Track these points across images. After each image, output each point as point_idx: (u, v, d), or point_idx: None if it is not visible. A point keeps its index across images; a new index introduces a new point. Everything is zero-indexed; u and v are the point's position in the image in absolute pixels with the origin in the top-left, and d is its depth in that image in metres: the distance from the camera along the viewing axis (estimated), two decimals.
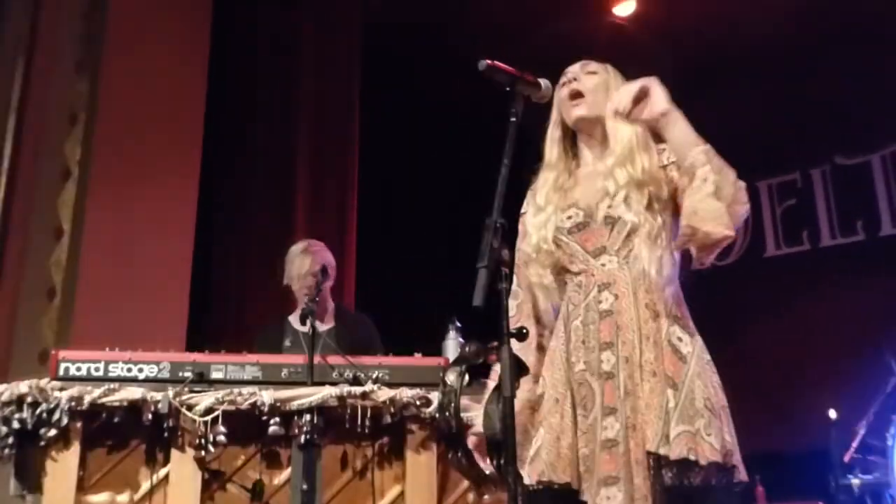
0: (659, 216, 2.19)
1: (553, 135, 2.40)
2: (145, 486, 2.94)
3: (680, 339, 2.12)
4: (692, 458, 1.98)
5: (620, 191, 2.21)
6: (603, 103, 2.30)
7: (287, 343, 3.89)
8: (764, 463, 5.41)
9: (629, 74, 2.32)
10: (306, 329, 3.11)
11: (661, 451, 2.02)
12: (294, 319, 3.92)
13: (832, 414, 5.27)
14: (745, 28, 6.52)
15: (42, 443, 2.89)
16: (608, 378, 2.11)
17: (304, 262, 3.92)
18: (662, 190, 2.21)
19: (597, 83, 2.34)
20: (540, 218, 2.31)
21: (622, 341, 2.12)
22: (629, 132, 2.26)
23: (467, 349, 2.11)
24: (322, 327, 3.84)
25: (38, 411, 2.88)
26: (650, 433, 2.03)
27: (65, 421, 2.88)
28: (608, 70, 2.39)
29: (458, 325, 3.42)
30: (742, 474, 2.06)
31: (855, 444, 5.05)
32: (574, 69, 2.37)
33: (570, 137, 2.41)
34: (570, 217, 2.26)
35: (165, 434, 2.92)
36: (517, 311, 2.31)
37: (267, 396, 2.92)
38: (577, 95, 2.33)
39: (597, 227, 2.22)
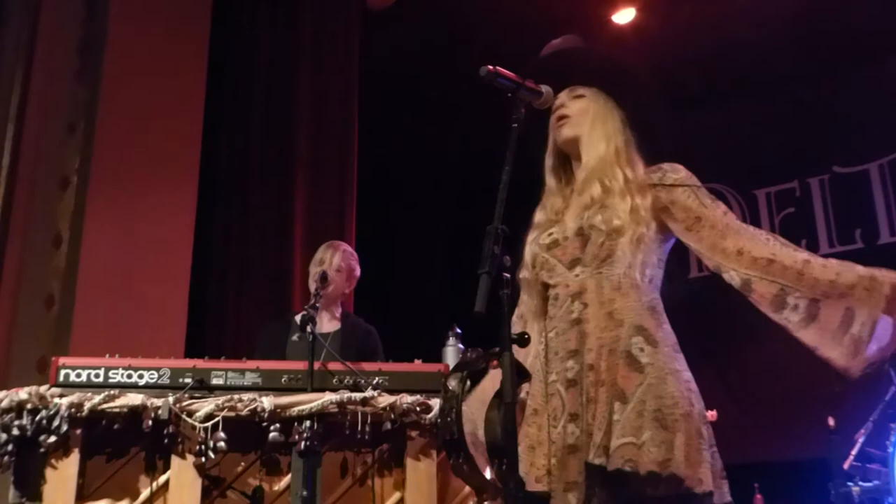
0: (644, 224, 2.22)
1: (548, 163, 2.47)
2: (145, 493, 2.93)
3: (641, 350, 2.11)
4: (628, 469, 1.98)
5: (597, 201, 2.26)
6: (587, 125, 2.37)
7: (294, 338, 3.88)
8: (763, 472, 5.40)
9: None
10: (309, 330, 3.11)
11: (597, 462, 2.02)
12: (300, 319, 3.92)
13: (831, 422, 5.25)
14: (744, 39, 6.53)
15: (42, 450, 2.88)
16: (572, 385, 2.13)
17: (324, 254, 4.01)
18: (647, 201, 2.24)
19: (581, 107, 2.40)
20: (530, 242, 2.37)
21: (587, 349, 2.14)
22: (603, 146, 2.34)
23: (468, 355, 2.11)
24: (327, 328, 3.84)
25: (37, 418, 2.87)
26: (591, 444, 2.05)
27: (64, 428, 2.87)
28: (596, 93, 2.43)
29: (458, 331, 3.42)
30: (705, 485, 1.99)
31: (854, 453, 5.04)
32: (562, 95, 2.40)
33: (567, 162, 2.46)
34: (550, 234, 2.32)
35: (165, 440, 2.91)
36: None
37: (267, 403, 2.91)
38: (562, 119, 2.38)
39: (572, 240, 2.26)
